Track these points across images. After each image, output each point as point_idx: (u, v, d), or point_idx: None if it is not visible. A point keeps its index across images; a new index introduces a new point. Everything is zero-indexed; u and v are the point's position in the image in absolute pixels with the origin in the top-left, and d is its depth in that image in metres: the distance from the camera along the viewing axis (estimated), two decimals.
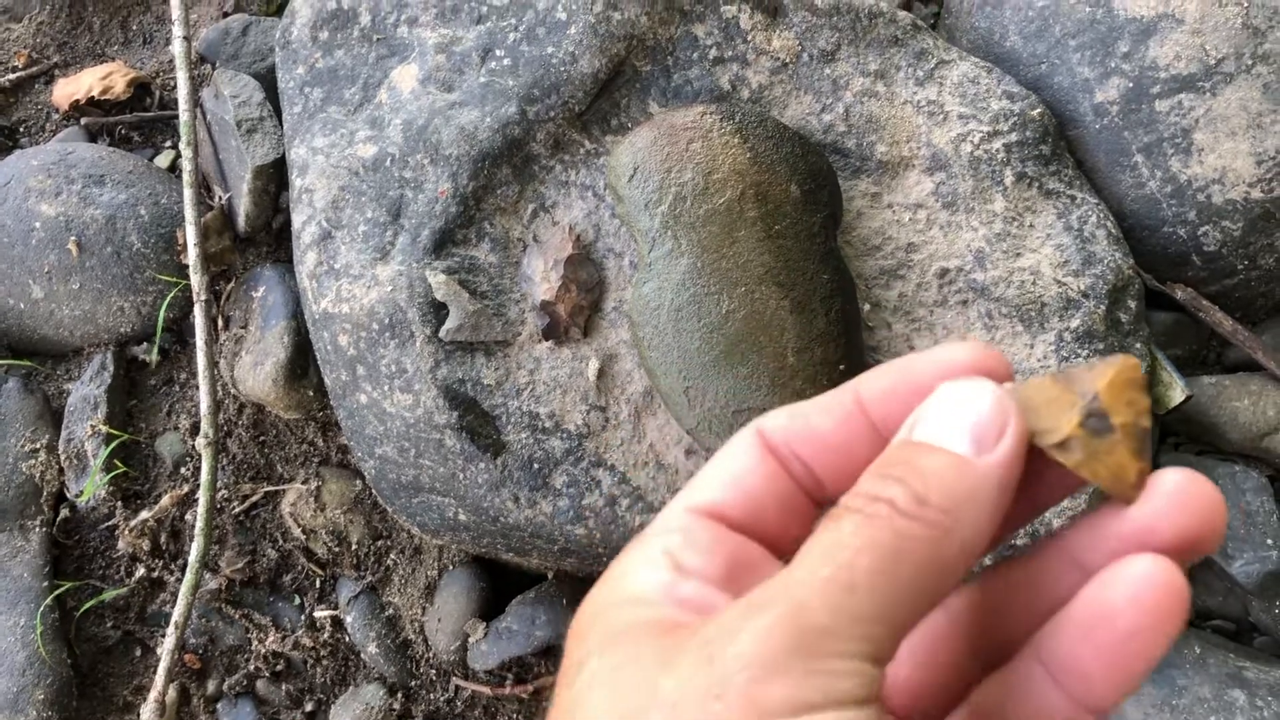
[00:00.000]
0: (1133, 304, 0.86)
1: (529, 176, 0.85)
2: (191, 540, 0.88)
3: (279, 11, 1.06)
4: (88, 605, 0.89)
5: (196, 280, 0.92)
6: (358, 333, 0.82)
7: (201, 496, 0.87)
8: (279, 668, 0.90)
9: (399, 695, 0.90)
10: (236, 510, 0.92)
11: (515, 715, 0.89)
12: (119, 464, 0.92)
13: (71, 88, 1.04)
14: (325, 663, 0.91)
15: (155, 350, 0.95)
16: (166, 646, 0.86)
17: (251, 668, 0.90)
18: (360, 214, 0.84)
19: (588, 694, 0.31)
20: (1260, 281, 0.89)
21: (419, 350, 0.81)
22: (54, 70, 1.07)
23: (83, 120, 1.04)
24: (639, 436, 0.83)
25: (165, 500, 0.91)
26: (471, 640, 0.89)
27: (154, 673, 0.89)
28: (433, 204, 0.83)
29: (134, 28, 1.09)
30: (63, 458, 0.92)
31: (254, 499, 0.92)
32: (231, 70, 0.99)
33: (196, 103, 0.98)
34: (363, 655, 0.90)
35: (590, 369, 0.83)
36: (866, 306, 0.85)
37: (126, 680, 0.90)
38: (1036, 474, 0.34)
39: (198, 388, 0.91)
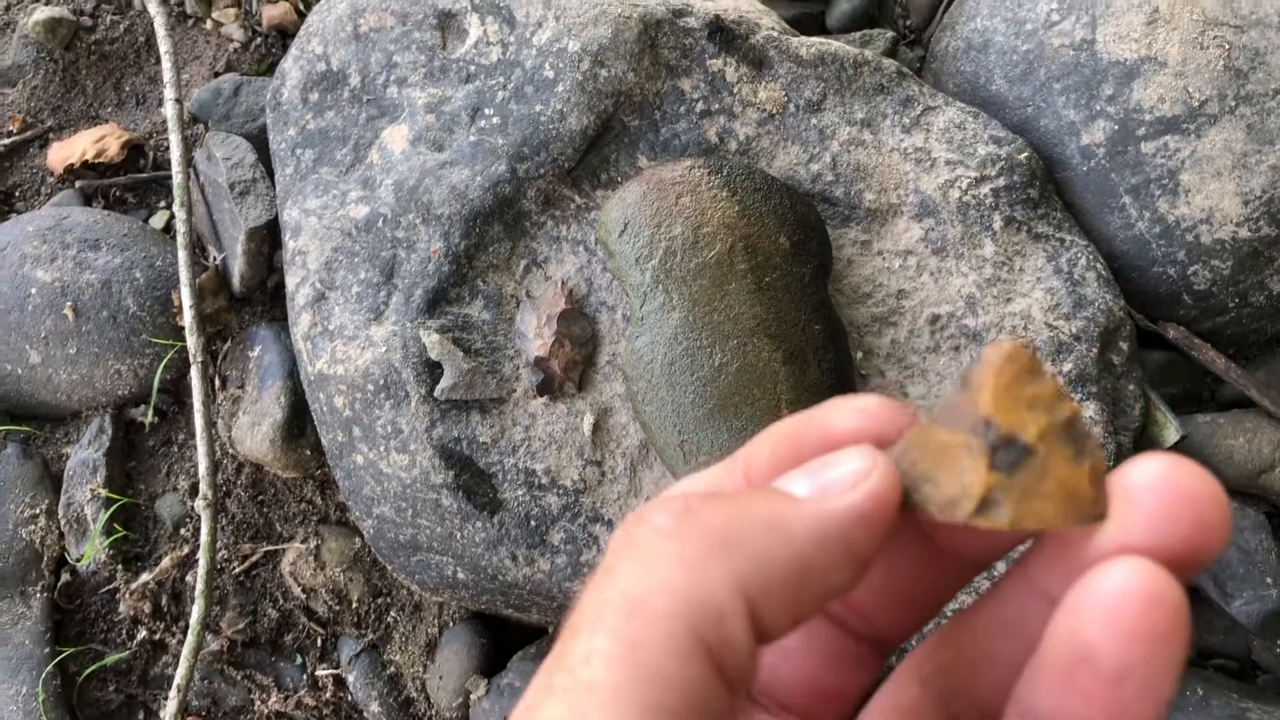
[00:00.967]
0: (1125, 345, 0.86)
1: (520, 233, 0.86)
2: (192, 602, 0.88)
3: (269, 72, 1.07)
4: (90, 670, 0.90)
5: (192, 341, 0.92)
6: (353, 394, 0.83)
7: (202, 557, 0.88)
8: None
9: None
10: (237, 570, 0.92)
11: None
12: (119, 527, 0.92)
13: (66, 151, 1.05)
14: None
15: (152, 412, 0.95)
16: (169, 710, 0.86)
17: None
18: (353, 275, 0.85)
19: None
20: (1251, 319, 0.90)
21: (414, 410, 0.81)
22: (48, 134, 1.08)
23: (78, 183, 1.05)
24: (635, 490, 0.83)
25: (166, 562, 0.91)
26: (474, 697, 0.89)
27: None
28: (425, 263, 0.84)
29: (126, 89, 1.10)
30: (62, 522, 0.92)
31: (254, 559, 0.93)
32: (224, 132, 1.00)
33: (189, 164, 0.98)
34: (366, 714, 0.90)
35: (585, 424, 0.83)
36: (859, 354, 0.86)
37: None
38: (947, 552, 0.30)
39: (196, 449, 0.92)
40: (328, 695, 0.90)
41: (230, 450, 0.94)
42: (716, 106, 0.88)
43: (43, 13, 1.08)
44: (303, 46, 0.92)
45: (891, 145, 0.90)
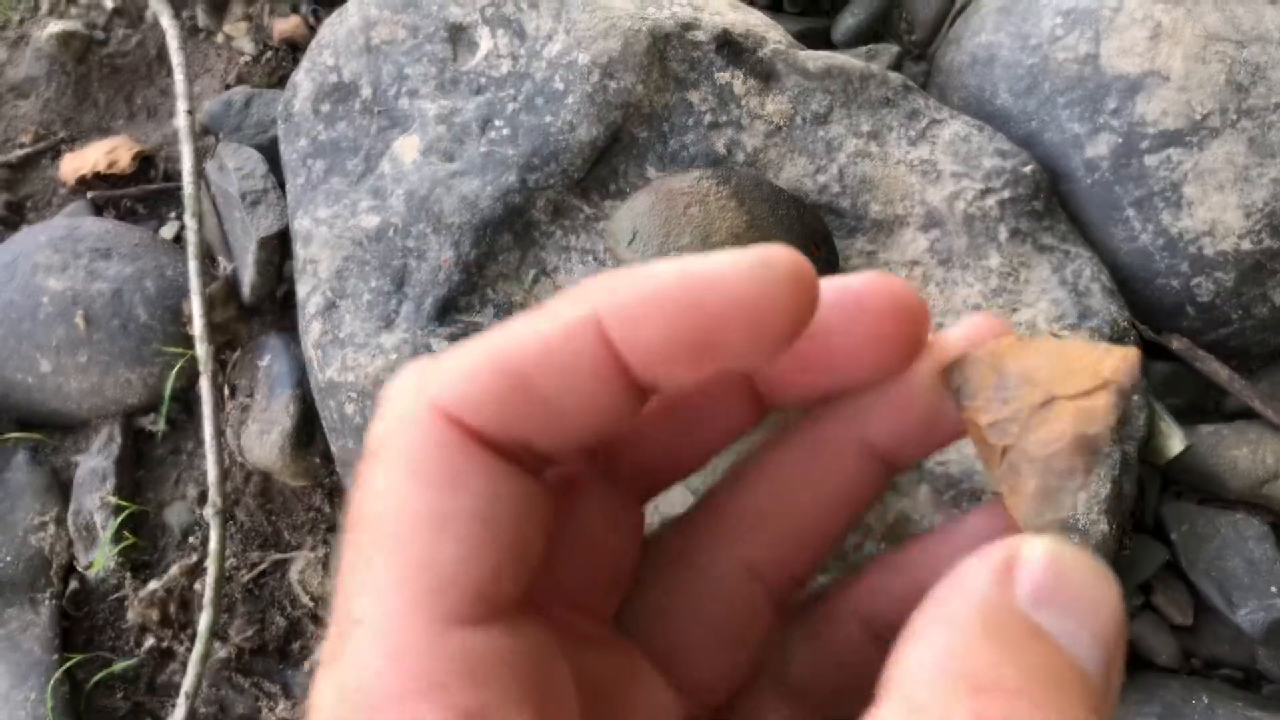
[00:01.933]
0: None
1: (530, 243, 0.87)
2: (201, 610, 0.88)
3: (280, 84, 1.08)
4: (98, 677, 0.90)
5: (202, 351, 0.93)
6: (364, 401, 0.83)
7: (210, 566, 0.88)
8: None
9: None
10: (245, 578, 0.92)
11: None
12: (128, 535, 0.92)
13: (77, 162, 1.06)
14: None
15: (163, 421, 0.96)
16: (177, 717, 0.87)
17: None
18: (364, 284, 0.86)
19: None
20: (1255, 330, 0.90)
21: None
22: (60, 145, 1.09)
23: (89, 194, 1.06)
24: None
25: (174, 570, 0.92)
26: None
27: None
28: (436, 272, 0.85)
29: (138, 102, 1.11)
30: (71, 530, 0.93)
31: (262, 567, 0.93)
32: (235, 143, 1.00)
33: (200, 175, 0.99)
34: None
35: None
36: None
37: None
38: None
39: (205, 457, 0.92)
40: None
41: (239, 459, 0.94)
42: (725, 118, 0.89)
43: (56, 26, 1.09)
44: (315, 59, 0.93)
45: (898, 157, 0.90)
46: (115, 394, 0.95)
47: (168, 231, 1.05)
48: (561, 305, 0.23)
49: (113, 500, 0.92)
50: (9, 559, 0.90)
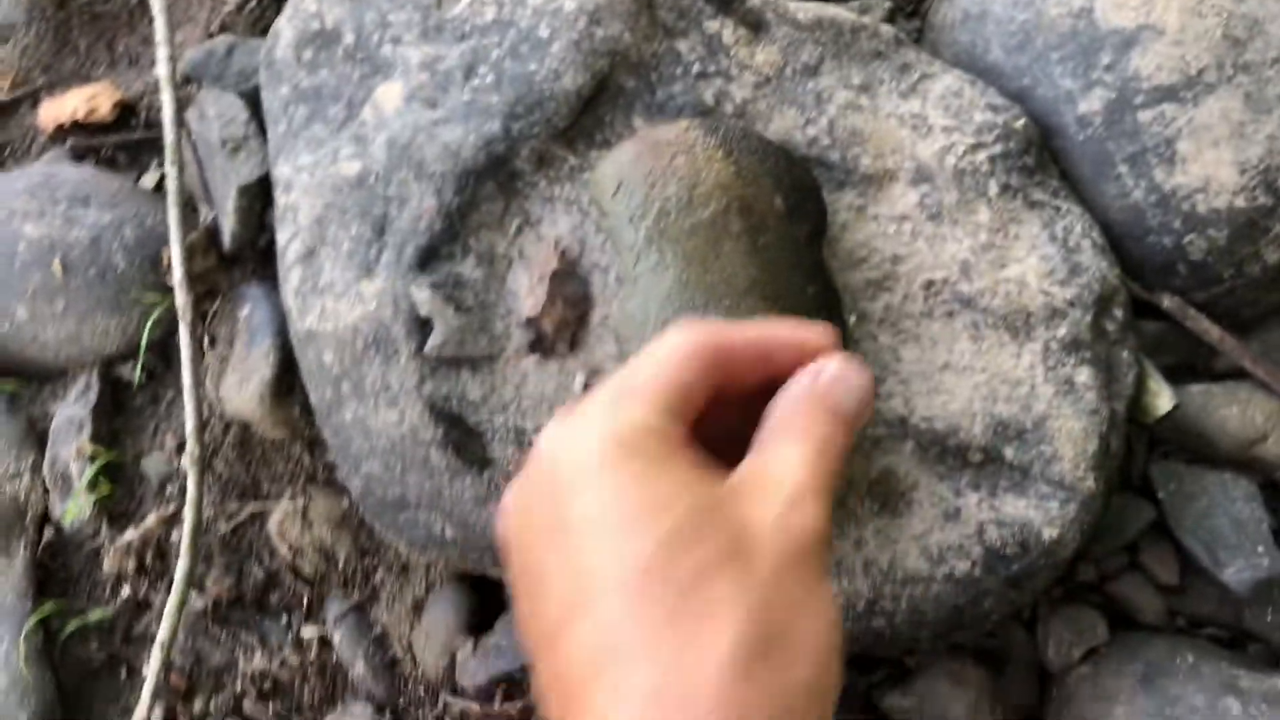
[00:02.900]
0: (1119, 313, 0.86)
1: (513, 192, 0.85)
2: (177, 560, 0.87)
3: (264, 33, 1.06)
4: (72, 627, 0.89)
5: (181, 299, 0.91)
6: (342, 350, 0.82)
7: (187, 515, 0.87)
8: (266, 687, 0.90)
9: (387, 713, 0.89)
10: (223, 530, 0.91)
11: None
12: (105, 484, 0.91)
13: (57, 110, 1.05)
14: (313, 681, 0.90)
15: (140, 370, 0.95)
16: (152, 667, 0.86)
17: (238, 688, 0.89)
18: (344, 231, 0.84)
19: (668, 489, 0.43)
20: (1247, 289, 0.89)
21: (404, 366, 0.81)
22: (40, 93, 1.07)
23: (69, 142, 1.04)
24: None
25: (151, 520, 0.91)
26: (460, 657, 0.88)
27: (140, 694, 0.89)
28: (417, 220, 0.83)
29: (120, 49, 1.09)
30: (47, 479, 0.92)
31: (240, 518, 0.92)
32: (217, 90, 0.99)
33: (181, 123, 0.98)
34: (350, 674, 0.90)
35: (577, 384, 0.82)
36: (853, 319, 0.85)
37: (113, 701, 0.90)
38: None
39: (183, 407, 0.91)
40: (313, 655, 0.90)
41: (218, 409, 0.93)
42: (713, 69, 0.88)
43: None
44: (297, 6, 0.92)
45: (888, 111, 0.89)
46: (93, 342, 0.94)
47: (149, 180, 1.04)
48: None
49: (89, 449, 0.91)
50: None
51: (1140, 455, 0.89)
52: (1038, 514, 0.80)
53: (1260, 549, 0.83)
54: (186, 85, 1.03)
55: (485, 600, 0.91)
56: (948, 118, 0.89)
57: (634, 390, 0.45)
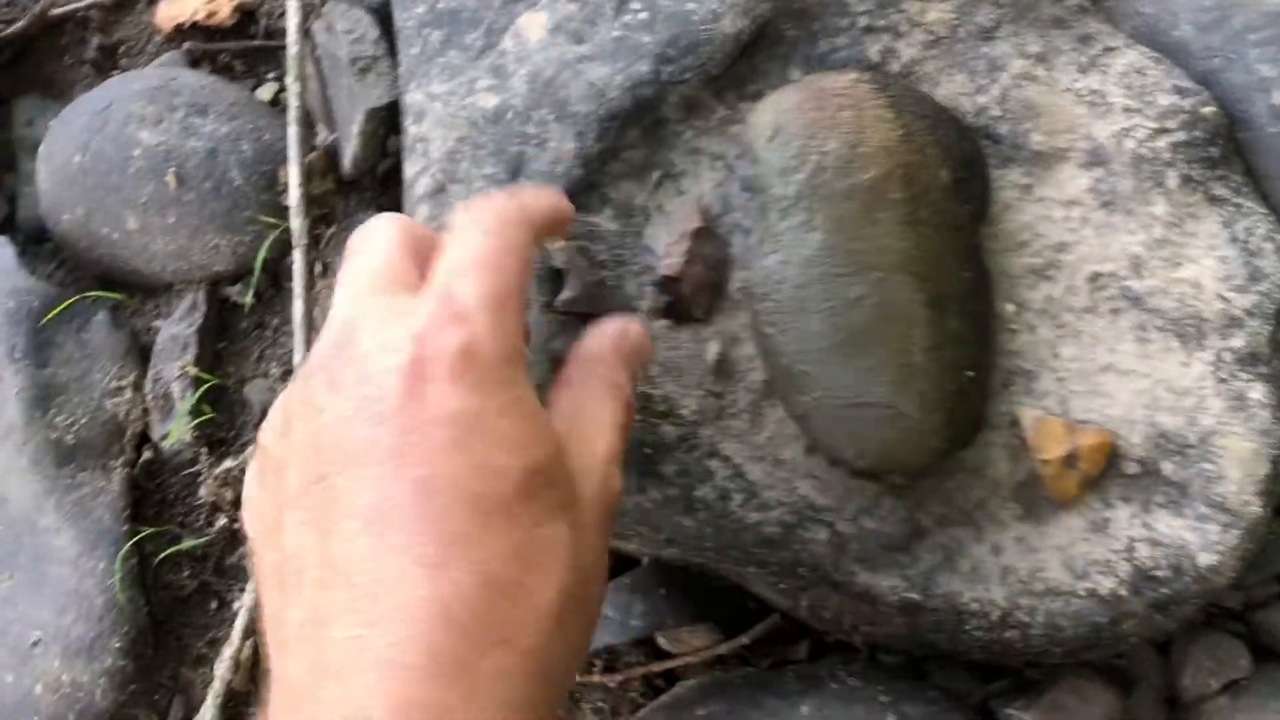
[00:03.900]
0: None
1: (657, 141, 0.80)
2: None
3: None
4: (166, 553, 0.86)
5: (297, 224, 0.88)
6: None
7: None
8: None
9: None
10: None
11: (600, 703, 0.85)
12: (206, 408, 0.88)
13: (175, 10, 1.00)
14: None
15: (251, 293, 0.91)
16: (245, 604, 0.84)
17: None
18: (477, 169, 0.80)
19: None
20: None
21: (533, 319, 0.76)
22: None
23: (185, 45, 1.00)
24: (757, 428, 0.78)
25: (251, 449, 0.88)
26: None
27: (229, 626, 0.87)
28: (555, 164, 0.78)
29: None
30: (148, 398, 0.89)
31: None
32: (345, 3, 0.94)
33: (306, 35, 0.93)
34: None
35: (710, 352, 0.78)
36: (1010, 307, 0.79)
37: (201, 632, 0.88)
38: None
39: (291, 335, 0.87)
40: None
41: None
42: (881, 23, 0.82)
43: None
44: None
45: (1065, 85, 0.82)
46: (202, 259, 0.90)
47: (264, 93, 0.99)
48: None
49: (192, 371, 0.88)
50: (84, 421, 0.86)
51: None
52: (1195, 537, 0.75)
53: None
54: None
55: None
56: (1129, 97, 0.82)
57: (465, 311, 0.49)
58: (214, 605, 0.88)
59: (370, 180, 0.92)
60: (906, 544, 0.77)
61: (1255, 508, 0.74)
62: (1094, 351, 0.79)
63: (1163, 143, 0.81)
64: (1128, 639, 0.78)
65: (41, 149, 0.93)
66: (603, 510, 0.47)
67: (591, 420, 0.50)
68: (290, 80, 0.90)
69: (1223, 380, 0.77)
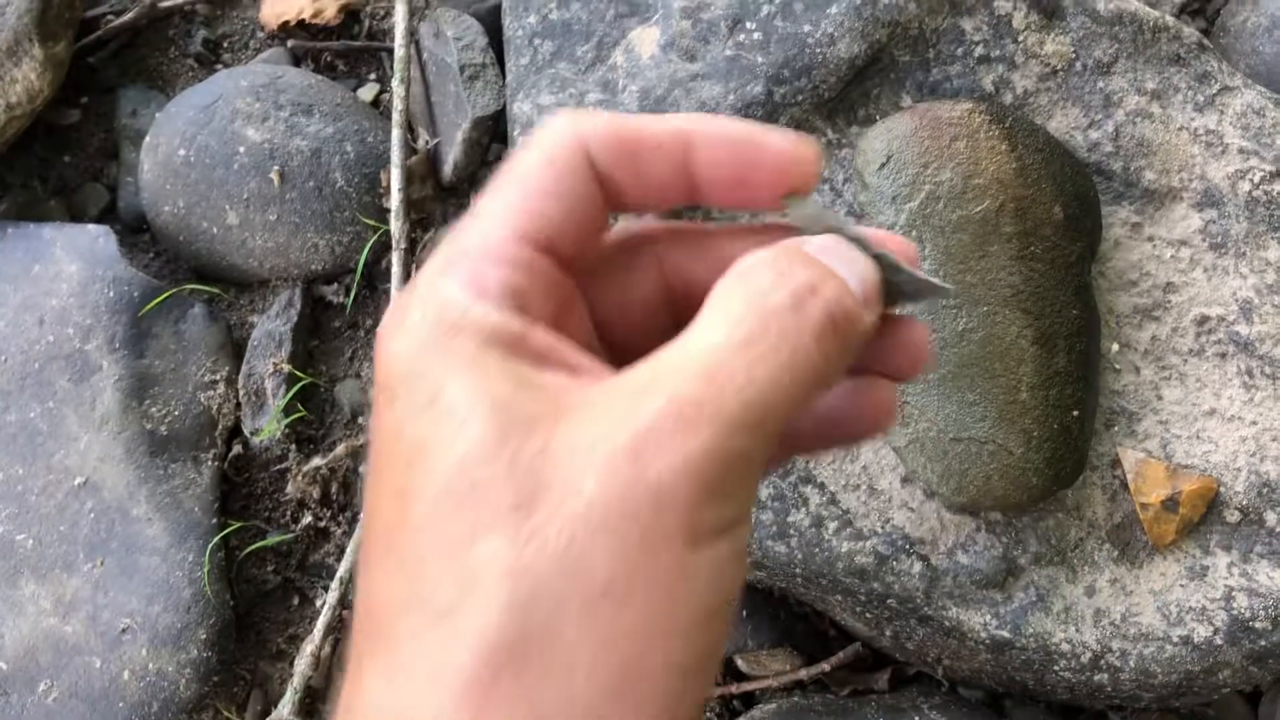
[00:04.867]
0: None
1: None
2: (362, 493, 0.85)
3: None
4: (251, 547, 0.87)
5: (396, 227, 0.88)
6: None
7: None
8: None
9: None
10: None
11: None
12: (298, 406, 0.89)
13: (281, 7, 1.01)
14: None
15: (351, 294, 0.91)
16: (329, 601, 0.84)
17: None
18: None
19: (451, 417, 0.28)
20: None
21: None
22: None
23: (289, 42, 1.00)
24: (852, 456, 0.77)
25: (340, 449, 0.88)
26: None
27: (310, 623, 0.87)
28: None
29: None
30: (241, 392, 0.89)
31: None
32: (454, 9, 0.94)
33: (413, 38, 0.93)
34: None
35: None
36: (1115, 346, 0.78)
37: (281, 628, 0.88)
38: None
39: None
40: None
41: None
42: (997, 53, 0.81)
43: None
44: None
45: (1181, 123, 0.81)
46: (300, 257, 0.91)
47: (365, 93, 1.00)
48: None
49: (286, 368, 0.88)
50: (178, 413, 0.87)
51: None
52: None
53: None
54: None
55: None
56: (1246, 139, 0.81)
57: (462, 255, 0.31)
58: (295, 601, 0.88)
59: (468, 187, 0.93)
60: (1001, 581, 0.76)
61: None
62: (1199, 395, 0.78)
63: (1279, 187, 0.80)
64: (1220, 689, 0.76)
65: (146, 141, 0.93)
66: (631, 500, 0.38)
67: (682, 352, 0.40)
68: (396, 83, 0.91)
69: None
